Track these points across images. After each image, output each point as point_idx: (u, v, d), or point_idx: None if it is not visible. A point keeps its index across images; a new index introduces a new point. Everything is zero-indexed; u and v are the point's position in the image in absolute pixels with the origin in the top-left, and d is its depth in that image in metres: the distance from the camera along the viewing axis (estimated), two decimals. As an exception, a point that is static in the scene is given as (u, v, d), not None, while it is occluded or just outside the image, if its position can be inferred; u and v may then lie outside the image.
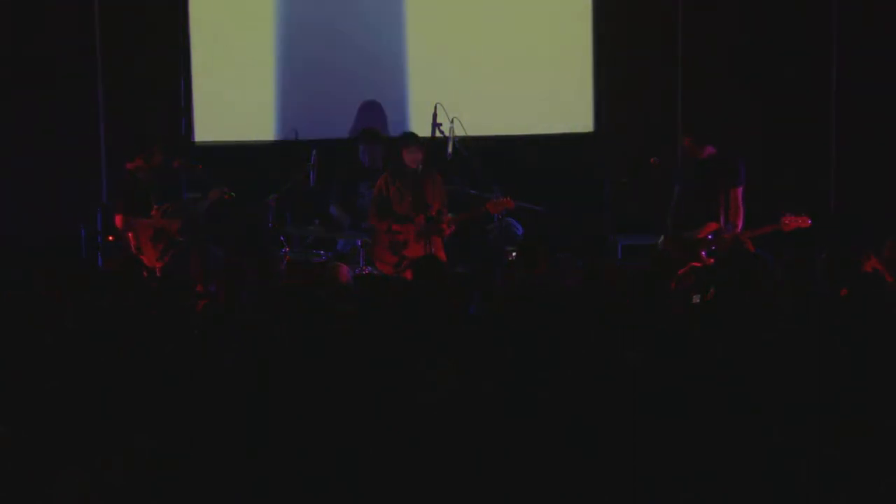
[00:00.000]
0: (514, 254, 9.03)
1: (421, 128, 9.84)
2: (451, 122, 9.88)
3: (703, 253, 9.03)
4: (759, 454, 4.52)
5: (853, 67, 10.87)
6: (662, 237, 9.24)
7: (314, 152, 9.69)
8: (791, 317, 5.91)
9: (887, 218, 10.04)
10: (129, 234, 9.00)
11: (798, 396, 4.83)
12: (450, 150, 9.84)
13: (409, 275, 8.40)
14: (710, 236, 9.10)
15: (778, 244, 8.96)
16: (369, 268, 9.15)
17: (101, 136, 10.75)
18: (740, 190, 9.17)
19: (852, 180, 10.93)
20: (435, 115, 9.88)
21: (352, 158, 10.12)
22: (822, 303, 6.28)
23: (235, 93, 10.73)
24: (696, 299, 6.62)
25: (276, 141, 10.51)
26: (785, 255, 7.26)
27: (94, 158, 10.76)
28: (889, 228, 8.26)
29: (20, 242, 10.45)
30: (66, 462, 4.42)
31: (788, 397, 4.83)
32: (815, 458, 4.50)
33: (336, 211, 9.95)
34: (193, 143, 10.77)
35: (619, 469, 4.50)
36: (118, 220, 9.05)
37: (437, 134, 9.91)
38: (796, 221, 8.93)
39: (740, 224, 9.11)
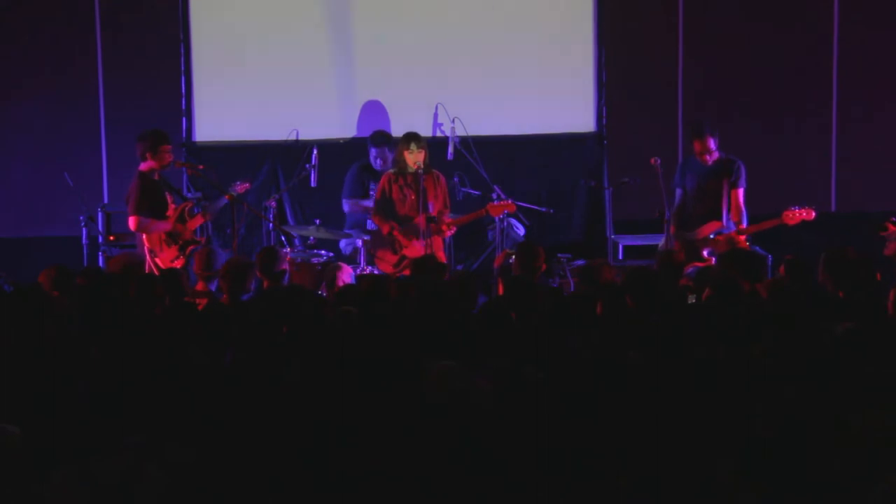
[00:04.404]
0: (513, 255, 9.03)
1: (422, 128, 9.85)
2: (452, 122, 9.88)
3: (705, 252, 9.02)
4: (759, 454, 4.52)
5: (854, 66, 10.88)
6: (663, 240, 9.24)
7: (314, 152, 9.69)
8: (791, 317, 5.90)
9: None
10: (143, 236, 8.90)
11: (797, 396, 4.83)
12: (450, 150, 9.84)
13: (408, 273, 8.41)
14: (712, 235, 9.10)
15: (778, 245, 8.96)
16: (370, 267, 9.15)
17: (101, 136, 10.75)
18: (741, 191, 9.18)
19: (853, 180, 10.93)
20: (436, 115, 9.89)
21: (361, 156, 10.08)
22: (822, 303, 6.28)
23: (235, 93, 10.75)
24: (692, 299, 6.61)
25: (275, 141, 10.52)
26: (785, 255, 7.26)
27: (94, 159, 10.77)
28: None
29: (20, 242, 10.46)
30: (65, 462, 4.42)
31: (788, 397, 4.82)
32: (815, 457, 4.50)
33: (349, 207, 9.89)
34: (194, 143, 10.78)
35: (619, 469, 4.49)
36: (132, 221, 8.87)
37: (438, 134, 9.91)
38: (801, 214, 8.89)
39: (743, 224, 9.12)
